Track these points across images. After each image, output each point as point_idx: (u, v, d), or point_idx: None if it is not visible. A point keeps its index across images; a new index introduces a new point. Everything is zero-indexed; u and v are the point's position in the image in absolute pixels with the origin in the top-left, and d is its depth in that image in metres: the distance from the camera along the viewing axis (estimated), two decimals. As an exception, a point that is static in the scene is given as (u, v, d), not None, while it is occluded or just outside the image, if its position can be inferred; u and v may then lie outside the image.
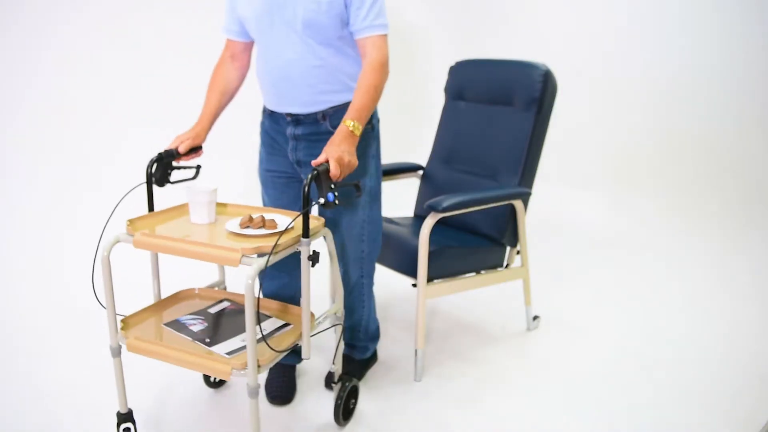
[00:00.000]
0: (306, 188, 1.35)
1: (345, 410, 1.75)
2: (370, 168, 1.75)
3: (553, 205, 4.05)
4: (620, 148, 4.10)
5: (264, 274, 1.81)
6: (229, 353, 1.39)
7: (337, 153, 1.41)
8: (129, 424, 1.60)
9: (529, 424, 1.78)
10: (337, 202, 1.39)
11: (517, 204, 2.13)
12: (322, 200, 1.38)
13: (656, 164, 3.97)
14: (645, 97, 3.94)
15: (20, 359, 2.07)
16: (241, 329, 1.51)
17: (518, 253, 2.26)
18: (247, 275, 1.25)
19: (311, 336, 1.49)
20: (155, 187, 1.61)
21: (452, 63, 2.52)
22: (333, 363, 1.73)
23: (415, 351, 2.00)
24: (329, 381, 1.94)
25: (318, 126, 1.65)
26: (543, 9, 4.23)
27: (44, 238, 2.89)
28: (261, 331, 1.47)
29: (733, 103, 3.65)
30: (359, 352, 2.01)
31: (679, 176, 3.89)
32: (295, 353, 1.90)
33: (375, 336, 2.03)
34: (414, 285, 1.99)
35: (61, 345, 2.18)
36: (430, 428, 1.76)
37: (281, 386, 1.86)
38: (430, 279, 1.98)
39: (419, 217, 2.41)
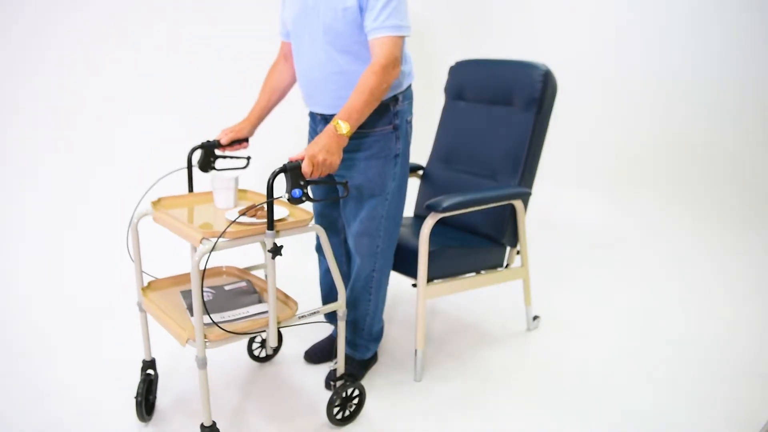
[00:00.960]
0: (270, 181, 1.37)
1: (342, 411, 1.75)
2: (389, 166, 1.77)
3: (553, 205, 4.05)
4: (620, 148, 4.10)
5: (321, 250, 2.02)
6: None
7: (312, 151, 1.44)
8: (151, 371, 1.73)
9: (529, 424, 1.78)
10: (304, 199, 1.41)
11: (517, 204, 2.13)
12: (286, 195, 1.41)
13: (656, 164, 3.97)
14: (645, 97, 3.94)
15: (20, 359, 2.07)
16: (233, 307, 1.58)
17: (518, 253, 2.26)
18: (194, 255, 1.34)
19: (288, 326, 1.56)
20: (203, 173, 1.90)
21: (452, 63, 2.52)
22: (334, 361, 1.74)
23: (415, 351, 2.00)
24: (329, 380, 1.94)
25: None
26: (543, 9, 4.23)
27: (44, 237, 2.89)
28: (206, 310, 1.53)
29: (733, 103, 3.65)
30: (360, 352, 2.01)
31: (679, 176, 3.89)
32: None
33: (377, 337, 2.03)
34: (414, 285, 1.99)
35: (61, 345, 2.18)
36: (430, 428, 1.76)
37: (316, 348, 2.08)
38: (430, 279, 1.98)
39: (419, 217, 2.41)
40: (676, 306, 2.66)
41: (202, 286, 1.37)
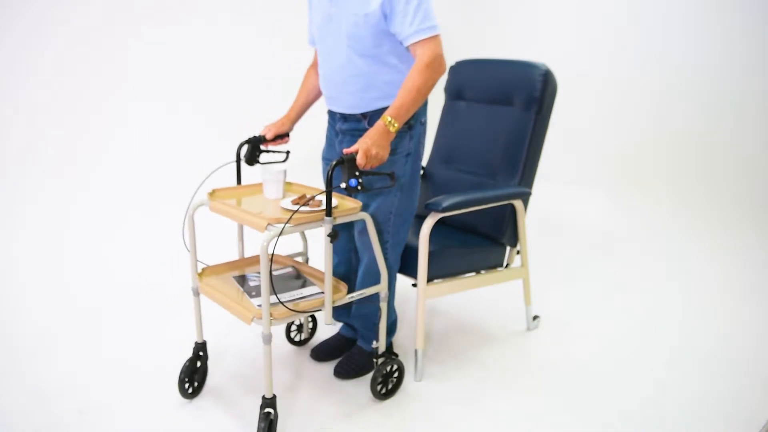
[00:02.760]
0: (330, 172, 1.51)
1: (384, 386, 1.89)
2: (399, 163, 1.83)
3: (553, 205, 4.05)
4: (620, 148, 4.10)
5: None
6: (260, 305, 1.59)
7: (366, 145, 1.56)
8: (201, 353, 1.86)
9: (530, 424, 1.78)
10: (359, 188, 1.54)
11: (517, 204, 2.12)
12: (343, 184, 1.53)
13: (656, 163, 3.97)
14: (645, 96, 3.94)
15: (20, 359, 2.07)
16: (286, 290, 1.72)
17: (518, 253, 2.26)
18: (262, 239, 1.46)
19: (338, 305, 1.72)
20: (248, 166, 2.13)
21: (452, 63, 2.52)
22: (376, 341, 1.89)
23: (415, 351, 2.00)
24: (338, 371, 2.01)
25: (359, 124, 1.81)
26: (543, 9, 4.23)
27: (44, 238, 2.89)
28: (274, 291, 1.68)
29: (734, 103, 3.65)
30: (370, 344, 2.02)
31: (679, 175, 3.89)
32: (352, 329, 2.14)
33: (390, 330, 2.03)
34: (414, 285, 1.99)
35: (61, 345, 2.17)
36: (430, 428, 1.76)
37: (322, 346, 2.12)
38: (429, 279, 1.98)
39: (419, 217, 2.41)
40: (676, 305, 2.66)
41: (270, 269, 1.49)
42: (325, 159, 2.01)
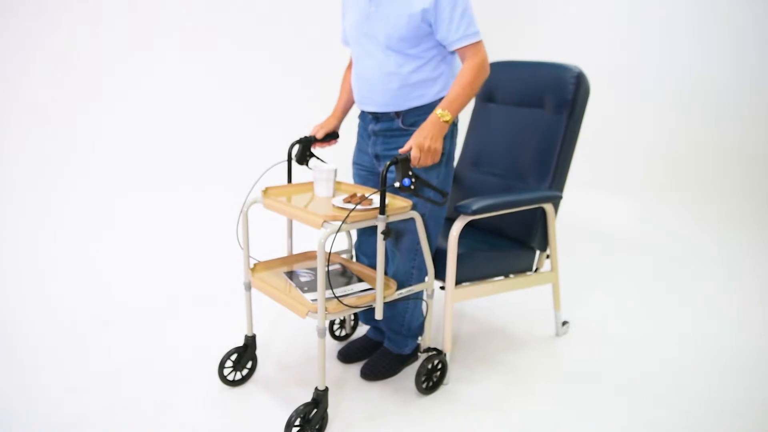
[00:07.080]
0: (384, 171, 1.54)
1: (428, 381, 1.92)
2: (435, 166, 1.82)
3: (583, 209, 3.99)
4: (651, 153, 4.02)
5: (359, 249, 2.08)
6: (314, 300, 1.66)
7: (418, 139, 1.60)
8: (249, 345, 1.94)
9: (556, 430, 1.76)
10: (413, 187, 1.58)
11: (548, 208, 2.10)
12: (397, 183, 1.57)
13: (687, 170, 3.89)
14: (678, 102, 3.86)
15: (20, 360, 2.08)
16: (336, 286, 1.78)
17: (548, 257, 2.23)
18: (319, 236, 1.49)
19: (387, 301, 1.77)
20: (299, 165, 2.23)
21: (483, 65, 2.50)
22: (421, 336, 1.96)
23: (444, 354, 1.99)
24: (364, 372, 2.02)
25: (392, 123, 1.82)
26: (574, 10, 4.18)
27: (43, 241, 2.94)
28: (330, 286, 1.75)
29: (765, 109, 3.55)
30: (397, 346, 2.02)
31: (711, 182, 3.80)
32: (379, 331, 2.15)
33: (416, 333, 2.03)
34: (442, 288, 1.98)
35: (61, 346, 2.18)
36: (457, 431, 1.75)
37: (349, 347, 2.13)
38: (458, 282, 1.97)
39: (447, 219, 2.40)
40: (707, 313, 2.60)
41: (328, 265, 1.53)
42: (356, 164, 2.01)
